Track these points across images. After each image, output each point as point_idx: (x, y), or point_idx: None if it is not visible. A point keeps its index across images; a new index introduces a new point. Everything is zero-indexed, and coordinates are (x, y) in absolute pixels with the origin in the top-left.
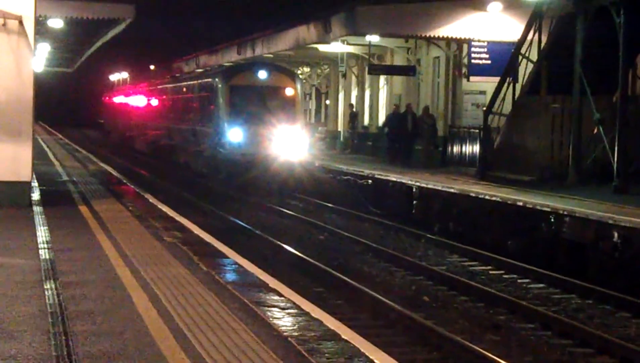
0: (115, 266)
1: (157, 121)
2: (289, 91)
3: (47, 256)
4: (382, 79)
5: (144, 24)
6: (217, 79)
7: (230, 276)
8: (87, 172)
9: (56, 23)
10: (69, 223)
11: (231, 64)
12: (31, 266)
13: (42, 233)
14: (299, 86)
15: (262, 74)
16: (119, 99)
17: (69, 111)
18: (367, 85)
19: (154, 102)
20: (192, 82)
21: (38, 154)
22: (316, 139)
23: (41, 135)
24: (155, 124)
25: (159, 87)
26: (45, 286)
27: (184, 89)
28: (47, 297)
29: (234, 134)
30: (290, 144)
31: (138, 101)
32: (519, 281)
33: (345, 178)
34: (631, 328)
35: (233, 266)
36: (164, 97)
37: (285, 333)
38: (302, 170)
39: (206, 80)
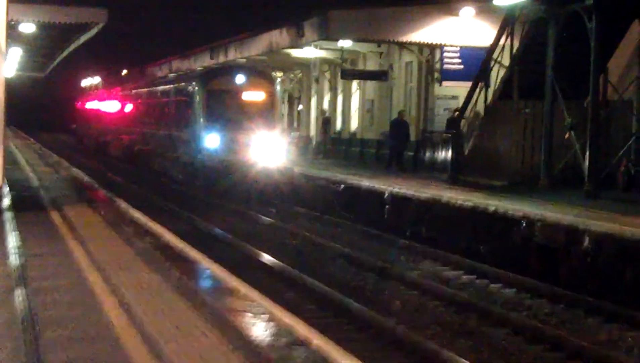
0: (86, 272)
1: (131, 126)
2: (267, 96)
3: (18, 262)
4: (355, 84)
5: (117, 28)
6: (193, 84)
7: (202, 282)
8: (59, 177)
9: (28, 27)
10: (40, 229)
11: (208, 68)
12: (1, 272)
13: (12, 239)
14: (277, 91)
15: (240, 78)
16: (92, 104)
17: (42, 115)
18: (339, 90)
19: (128, 107)
20: (168, 87)
21: (9, 159)
22: (289, 144)
23: (13, 140)
24: (130, 129)
25: (133, 91)
26: (15, 293)
27: (160, 94)
28: (17, 304)
29: (211, 140)
30: (268, 149)
31: (111, 105)
32: (491, 286)
33: (321, 183)
34: (602, 333)
35: (205, 272)
36: (139, 101)
37: (257, 340)
38: (280, 176)
39: (182, 84)
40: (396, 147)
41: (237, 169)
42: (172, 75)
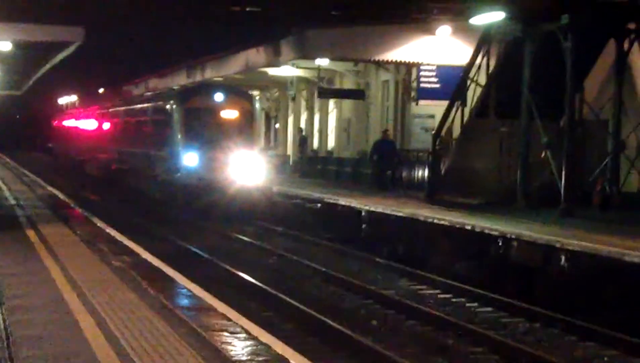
0: (62, 291)
1: (108, 144)
2: (246, 114)
3: None
4: (332, 102)
5: (94, 46)
6: (171, 102)
7: (179, 301)
8: (35, 196)
9: (4, 46)
10: (15, 248)
11: (186, 86)
12: None
13: None
14: (256, 109)
15: (219, 97)
16: (68, 122)
17: (18, 134)
18: (316, 109)
19: (105, 125)
20: (145, 105)
21: None
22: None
23: None
24: (107, 148)
25: (110, 110)
26: None
27: (137, 112)
28: None
29: (190, 159)
30: (247, 168)
31: (88, 124)
32: (467, 304)
33: (297, 201)
34: (578, 351)
35: (182, 290)
36: (116, 120)
37: (233, 358)
38: (260, 195)
39: (160, 102)
40: (384, 166)
41: (216, 188)
42: (149, 93)
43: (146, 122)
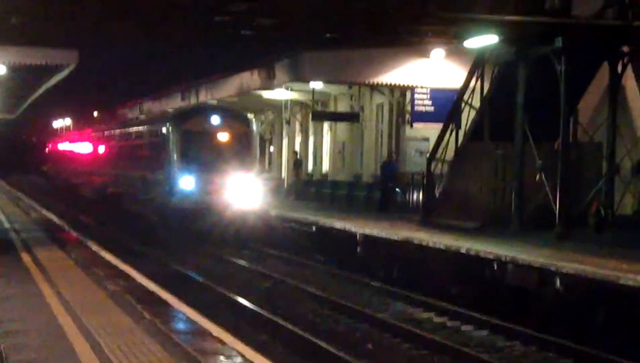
0: (57, 315)
1: (103, 168)
2: (243, 137)
3: None
4: (326, 125)
5: (88, 69)
6: (168, 124)
7: (174, 325)
8: (29, 219)
9: None
10: (10, 271)
11: (182, 108)
12: None
13: None
14: (253, 131)
15: (216, 119)
16: (63, 146)
17: (12, 157)
18: (310, 131)
19: (100, 148)
20: (141, 128)
21: None
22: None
23: None
24: (102, 171)
25: (105, 133)
26: None
27: (133, 135)
28: None
29: (186, 182)
30: (244, 191)
31: (83, 147)
32: (462, 327)
33: (293, 225)
34: None
35: (177, 314)
36: (111, 143)
37: None
38: (256, 219)
39: (156, 125)
40: (390, 188)
41: (213, 211)
42: (145, 116)
43: (142, 145)
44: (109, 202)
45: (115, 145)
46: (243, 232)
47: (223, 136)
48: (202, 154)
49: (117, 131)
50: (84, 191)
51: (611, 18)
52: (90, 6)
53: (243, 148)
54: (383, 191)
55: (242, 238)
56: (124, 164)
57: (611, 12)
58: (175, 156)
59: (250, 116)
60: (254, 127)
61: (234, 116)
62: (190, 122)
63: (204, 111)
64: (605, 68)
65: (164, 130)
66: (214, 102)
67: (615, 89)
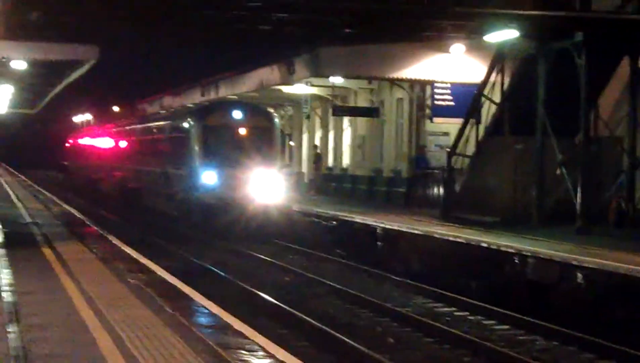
0: (78, 309)
1: (124, 162)
2: (266, 131)
3: (10, 299)
4: (346, 120)
5: (108, 65)
6: (190, 119)
7: (195, 319)
8: (50, 214)
9: (19, 64)
10: (32, 266)
11: (204, 103)
12: None
13: (4, 276)
14: (275, 126)
15: (238, 114)
16: (83, 141)
17: (33, 152)
18: (330, 126)
19: (121, 143)
20: (162, 123)
21: (0, 197)
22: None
23: (3, 177)
24: (122, 166)
25: (126, 128)
26: (7, 329)
27: (154, 130)
28: (9, 340)
29: (208, 177)
30: (266, 186)
31: (103, 142)
32: (483, 322)
33: (314, 219)
34: None
35: (198, 308)
36: (132, 138)
37: None
38: (278, 213)
39: (178, 120)
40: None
41: (235, 206)
42: (166, 111)
43: (163, 140)
44: (130, 197)
45: (136, 140)
46: (265, 227)
47: (245, 131)
48: (224, 149)
49: (138, 126)
50: (104, 186)
51: (631, 12)
52: (110, 2)
53: (265, 143)
54: (411, 185)
55: (263, 232)
56: (145, 159)
57: (631, 7)
58: (197, 151)
59: (272, 110)
60: (276, 121)
61: (256, 110)
62: (212, 116)
63: (226, 105)
64: (626, 62)
65: (186, 125)
66: (234, 97)
67: (636, 83)
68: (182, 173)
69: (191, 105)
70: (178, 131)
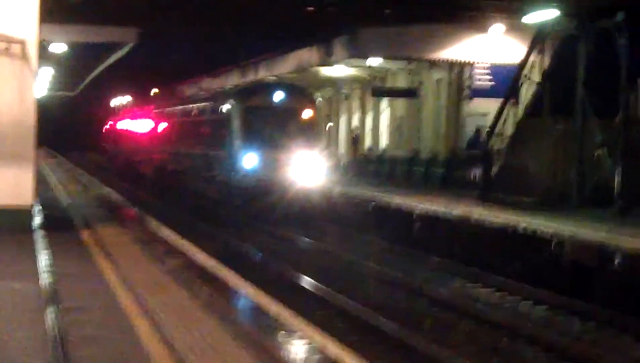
0: (116, 292)
1: (164, 145)
2: (308, 113)
3: (49, 282)
4: (385, 101)
5: (147, 47)
6: (231, 101)
7: (233, 302)
8: (90, 196)
9: (59, 47)
10: (70, 248)
11: (245, 84)
12: (32, 291)
13: (44, 258)
14: (317, 108)
15: (279, 95)
16: (122, 123)
17: (72, 135)
18: (369, 107)
19: (160, 125)
20: (202, 105)
21: (40, 179)
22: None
23: (44, 159)
24: (162, 148)
25: (165, 110)
26: (46, 312)
27: (194, 112)
28: (48, 322)
29: (250, 159)
30: (308, 169)
31: (143, 124)
32: (522, 303)
33: (355, 201)
34: (636, 352)
35: (236, 291)
36: (172, 120)
37: (287, 359)
38: (318, 196)
39: (219, 102)
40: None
41: (276, 189)
42: (207, 92)
43: (204, 122)
44: (169, 179)
45: (176, 122)
46: (305, 209)
47: (287, 113)
48: (265, 130)
49: (178, 108)
50: (143, 168)
51: None
52: None
53: (307, 125)
54: (450, 166)
55: (304, 215)
56: (186, 141)
57: None
58: (238, 133)
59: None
60: (318, 103)
61: (298, 92)
62: (254, 98)
63: (267, 87)
64: None
65: (227, 106)
66: (273, 78)
67: None
68: (222, 154)
69: (230, 87)
70: (219, 113)
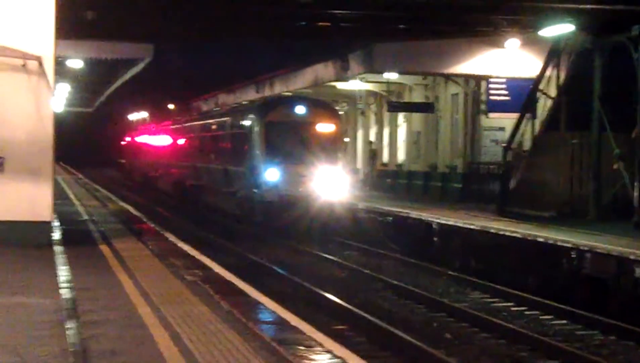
0: (136, 305)
1: (182, 160)
2: (329, 128)
3: (68, 296)
4: (401, 116)
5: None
6: (251, 115)
7: (251, 314)
8: (107, 211)
9: (76, 63)
10: (89, 262)
11: (266, 98)
12: (52, 305)
13: (62, 272)
14: (339, 122)
15: (300, 109)
16: (140, 138)
17: (89, 150)
18: (385, 122)
19: (178, 140)
20: (222, 119)
21: (58, 194)
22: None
23: (61, 175)
24: (180, 164)
25: (183, 125)
26: (66, 326)
27: (213, 127)
28: (68, 336)
29: (271, 174)
30: (331, 184)
31: (160, 139)
32: (540, 317)
33: (372, 216)
34: None
35: (254, 304)
36: (190, 135)
37: None
38: (344, 211)
39: (239, 116)
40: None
41: (299, 204)
42: (226, 107)
43: (224, 136)
44: (188, 195)
45: (195, 137)
46: (328, 225)
47: (309, 127)
48: (287, 145)
49: (196, 123)
50: (161, 183)
51: None
52: (165, 3)
53: (329, 139)
54: (467, 180)
55: (328, 231)
56: (204, 156)
57: None
58: (259, 148)
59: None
60: (340, 116)
61: (319, 105)
62: (274, 112)
63: (288, 100)
64: None
65: (247, 121)
66: (289, 93)
67: None
68: (243, 169)
69: (245, 102)
70: (239, 128)
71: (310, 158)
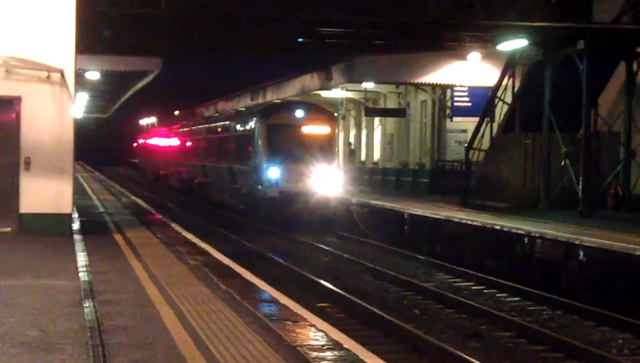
0: (145, 286)
1: (191, 159)
2: (326, 130)
3: (86, 278)
4: (377, 120)
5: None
6: (255, 119)
7: (246, 294)
8: (121, 205)
9: (93, 75)
10: (105, 249)
11: (269, 103)
12: (72, 287)
13: (81, 258)
14: (334, 125)
15: (299, 113)
16: (151, 140)
17: (105, 151)
18: (363, 125)
19: (188, 142)
20: (227, 122)
21: (78, 190)
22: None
23: (80, 173)
24: (189, 163)
25: (191, 128)
26: (84, 305)
27: (219, 129)
28: (86, 314)
29: (273, 172)
30: (326, 181)
31: (170, 141)
32: (497, 295)
33: (350, 207)
34: (596, 335)
35: (249, 285)
36: (198, 137)
37: (294, 343)
38: (338, 205)
39: (243, 120)
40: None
41: (298, 199)
42: (230, 112)
43: (229, 138)
44: (196, 191)
45: (202, 139)
46: (327, 218)
47: (307, 129)
48: (287, 145)
49: (204, 126)
50: (171, 181)
51: (627, 23)
52: (172, 22)
53: (326, 140)
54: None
55: (322, 221)
56: (211, 156)
57: (627, 18)
58: (262, 148)
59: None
60: (335, 120)
61: (317, 109)
62: (276, 116)
63: (289, 106)
64: (622, 66)
65: (251, 124)
66: (279, 101)
67: (631, 85)
68: (247, 168)
69: (248, 107)
70: (243, 130)
71: (308, 157)
